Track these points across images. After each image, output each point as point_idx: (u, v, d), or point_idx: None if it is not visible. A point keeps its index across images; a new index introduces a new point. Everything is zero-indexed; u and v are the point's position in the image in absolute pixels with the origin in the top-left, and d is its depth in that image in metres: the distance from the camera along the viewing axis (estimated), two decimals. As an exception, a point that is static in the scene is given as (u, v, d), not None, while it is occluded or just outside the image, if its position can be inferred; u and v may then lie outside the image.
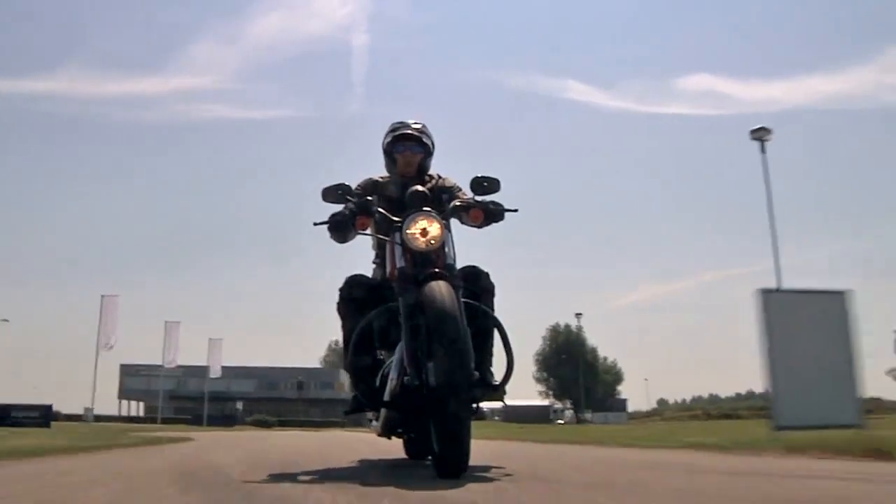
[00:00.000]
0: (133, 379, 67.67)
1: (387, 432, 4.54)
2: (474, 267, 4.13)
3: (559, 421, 63.57)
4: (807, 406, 8.57)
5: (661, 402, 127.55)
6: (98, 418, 46.55)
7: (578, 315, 66.39)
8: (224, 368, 53.16)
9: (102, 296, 37.80)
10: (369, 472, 4.10)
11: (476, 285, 3.98)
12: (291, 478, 3.69)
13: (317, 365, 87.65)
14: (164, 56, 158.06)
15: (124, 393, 69.48)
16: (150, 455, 6.89)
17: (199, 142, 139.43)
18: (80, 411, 51.25)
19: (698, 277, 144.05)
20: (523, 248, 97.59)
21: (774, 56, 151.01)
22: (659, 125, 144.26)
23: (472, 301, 3.74)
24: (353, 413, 4.20)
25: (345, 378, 78.77)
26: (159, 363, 51.21)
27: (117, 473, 4.51)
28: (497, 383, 3.81)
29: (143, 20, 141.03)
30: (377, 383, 4.09)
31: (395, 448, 5.30)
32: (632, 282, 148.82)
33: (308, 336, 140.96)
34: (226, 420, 52.74)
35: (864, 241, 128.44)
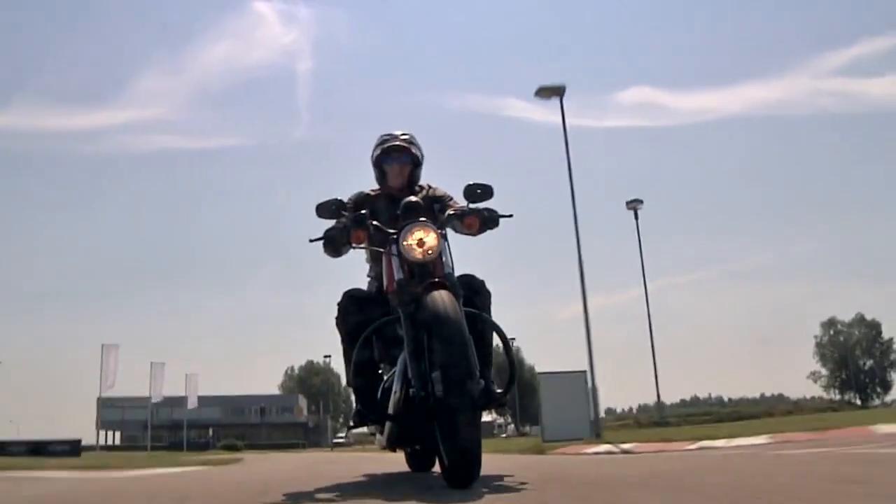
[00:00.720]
0: (110, 410, 70.93)
1: (392, 446, 4.37)
2: (470, 275, 4.01)
3: (503, 434, 65.12)
4: (562, 428, 16.45)
5: (609, 411, 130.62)
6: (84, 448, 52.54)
7: (512, 339, 73.96)
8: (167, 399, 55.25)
9: (103, 345, 44.11)
10: (383, 487, 3.95)
11: (473, 293, 3.88)
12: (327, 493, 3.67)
13: (275, 390, 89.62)
14: (112, 89, 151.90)
15: (102, 424, 78.67)
16: (247, 467, 9.16)
17: (150, 173, 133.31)
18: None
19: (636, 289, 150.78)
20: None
21: (710, 66, 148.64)
22: (597, 139, 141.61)
23: (471, 309, 3.63)
24: (357, 427, 4.10)
25: (302, 403, 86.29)
26: (132, 395, 58.97)
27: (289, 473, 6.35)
28: (500, 391, 3.71)
29: (90, 54, 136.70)
30: (379, 397, 3.97)
31: (395, 462, 5.21)
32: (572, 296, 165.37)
33: (267, 361, 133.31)
34: (201, 446, 55.37)
35: (805, 243, 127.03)
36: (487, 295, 3.99)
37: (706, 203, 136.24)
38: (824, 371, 79.26)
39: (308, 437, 70.97)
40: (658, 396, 32.11)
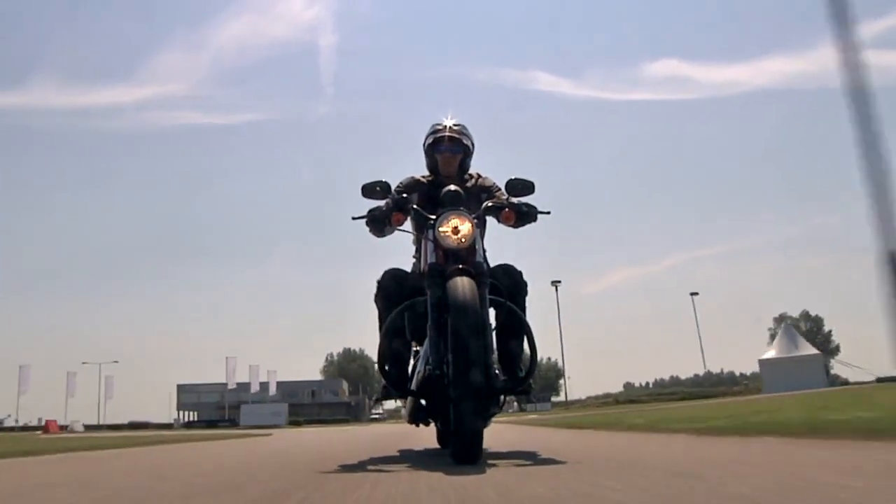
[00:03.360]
0: (187, 395, 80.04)
1: (413, 420, 4.33)
2: (508, 265, 3.94)
3: (509, 410, 75.36)
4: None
5: (628, 385, 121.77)
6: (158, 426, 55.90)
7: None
8: (242, 385, 61.72)
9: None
10: (405, 460, 3.92)
11: (509, 283, 3.83)
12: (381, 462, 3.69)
13: (317, 375, 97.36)
14: (132, 66, 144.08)
15: (181, 405, 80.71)
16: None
17: (171, 148, 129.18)
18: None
19: (664, 262, 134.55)
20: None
21: (736, 39, 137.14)
22: (625, 112, 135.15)
23: (499, 298, 3.59)
24: (382, 400, 4.06)
25: (345, 386, 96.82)
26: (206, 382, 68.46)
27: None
28: (520, 378, 3.70)
29: (109, 31, 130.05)
30: (409, 372, 3.99)
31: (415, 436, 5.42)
32: (600, 269, 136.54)
33: (308, 348, 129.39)
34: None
35: (833, 215, 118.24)
36: (523, 285, 3.94)
37: (731, 177, 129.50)
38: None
39: (350, 413, 77.60)
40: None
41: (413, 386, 3.85)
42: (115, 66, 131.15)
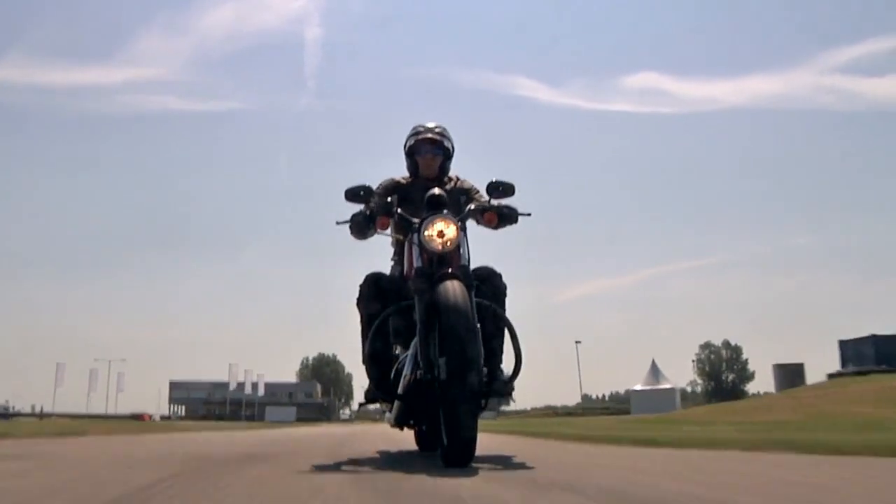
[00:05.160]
0: (177, 391, 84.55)
1: (399, 424, 4.19)
2: (488, 268, 3.76)
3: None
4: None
5: (585, 397, 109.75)
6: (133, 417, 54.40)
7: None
8: (240, 384, 66.80)
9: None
10: (386, 463, 3.79)
11: (489, 285, 3.67)
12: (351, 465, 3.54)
13: (293, 377, 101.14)
14: (114, 46, 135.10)
15: (172, 400, 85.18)
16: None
17: (149, 132, 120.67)
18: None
19: (638, 274, 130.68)
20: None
21: (716, 56, 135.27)
22: (603, 122, 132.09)
23: (483, 301, 3.41)
24: (368, 404, 3.93)
25: (318, 388, 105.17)
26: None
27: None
28: (506, 381, 3.54)
29: (91, 9, 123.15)
30: (392, 377, 3.79)
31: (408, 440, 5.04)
32: (568, 279, 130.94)
33: (283, 351, 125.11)
34: (247, 418, 64.98)
35: (803, 235, 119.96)
36: (502, 288, 3.79)
37: (705, 191, 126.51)
38: (699, 381, 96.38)
39: (323, 413, 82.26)
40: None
41: (400, 390, 3.65)
42: (95, 46, 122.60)
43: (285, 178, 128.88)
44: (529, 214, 3.91)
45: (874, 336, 34.96)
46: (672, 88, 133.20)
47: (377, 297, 3.82)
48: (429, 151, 4.19)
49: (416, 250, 3.53)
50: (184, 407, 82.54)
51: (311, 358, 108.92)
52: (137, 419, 48.67)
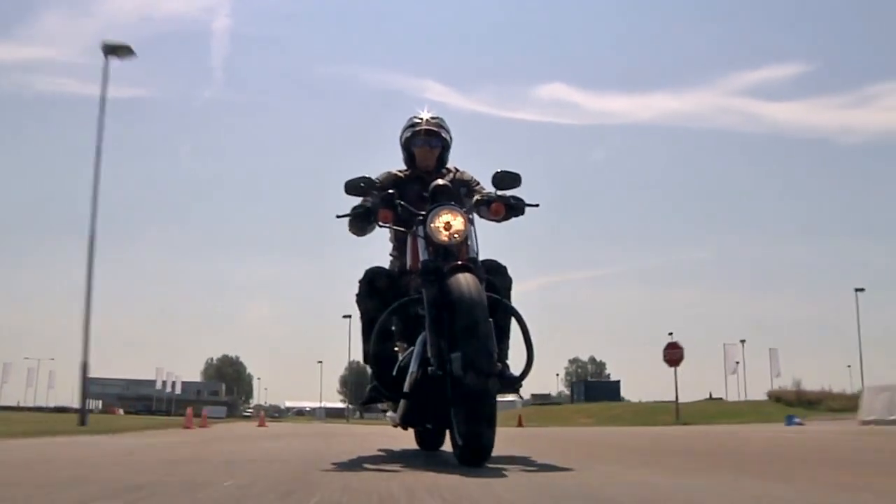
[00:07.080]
0: (92, 386, 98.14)
1: (405, 423, 3.86)
2: (493, 261, 3.49)
3: None
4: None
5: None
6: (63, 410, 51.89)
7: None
8: (164, 382, 69.88)
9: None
10: (405, 461, 3.56)
11: (495, 279, 3.41)
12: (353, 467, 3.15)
13: (197, 376, 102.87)
14: (11, 23, 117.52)
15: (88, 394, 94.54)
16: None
17: (47, 115, 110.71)
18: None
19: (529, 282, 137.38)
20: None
21: (627, 72, 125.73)
22: (508, 130, 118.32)
23: (493, 294, 3.15)
24: (370, 403, 3.70)
25: (223, 388, 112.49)
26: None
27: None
28: (516, 376, 3.30)
29: None
30: (395, 374, 3.47)
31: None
32: None
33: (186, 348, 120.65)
34: (162, 412, 64.09)
35: (700, 250, 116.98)
36: (509, 280, 3.56)
37: (600, 205, 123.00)
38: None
39: (229, 411, 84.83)
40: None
41: (406, 388, 3.34)
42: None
43: (188, 169, 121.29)
44: (538, 205, 3.62)
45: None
46: (580, 101, 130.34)
47: (378, 292, 3.54)
48: (426, 143, 3.89)
49: (421, 243, 3.27)
50: (100, 402, 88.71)
51: (214, 358, 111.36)
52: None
